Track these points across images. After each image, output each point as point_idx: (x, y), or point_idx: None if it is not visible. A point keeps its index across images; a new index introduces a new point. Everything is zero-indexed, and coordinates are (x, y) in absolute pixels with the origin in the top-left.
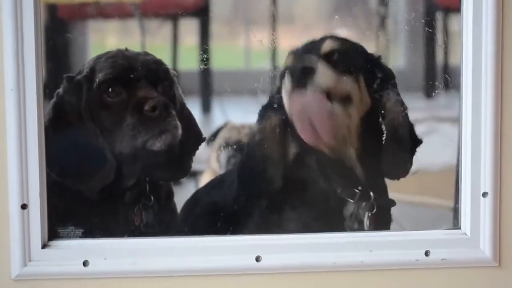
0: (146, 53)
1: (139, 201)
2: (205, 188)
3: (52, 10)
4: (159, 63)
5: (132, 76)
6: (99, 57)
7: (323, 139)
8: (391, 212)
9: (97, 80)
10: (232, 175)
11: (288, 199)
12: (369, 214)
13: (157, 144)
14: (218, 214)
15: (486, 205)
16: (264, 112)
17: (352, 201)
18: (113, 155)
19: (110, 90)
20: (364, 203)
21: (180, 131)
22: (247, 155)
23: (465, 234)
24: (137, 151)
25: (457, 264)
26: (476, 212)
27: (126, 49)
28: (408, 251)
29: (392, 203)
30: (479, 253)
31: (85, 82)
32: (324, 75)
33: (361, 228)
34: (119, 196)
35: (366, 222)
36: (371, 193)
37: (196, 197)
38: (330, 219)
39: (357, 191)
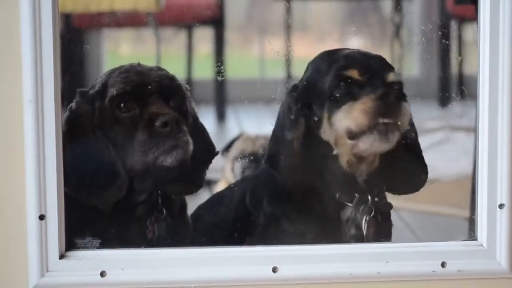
0: (159, 68)
1: (151, 214)
2: (206, 204)
3: (67, 19)
4: (171, 78)
5: (144, 91)
6: (112, 72)
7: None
8: (395, 218)
9: (109, 95)
10: (232, 191)
11: (287, 204)
12: (367, 218)
13: (168, 160)
14: (229, 226)
15: (502, 216)
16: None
17: (350, 204)
18: (125, 170)
19: (122, 105)
20: (362, 207)
21: (191, 146)
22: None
23: (481, 245)
24: (148, 167)
25: (473, 275)
26: (493, 224)
27: (139, 64)
28: (425, 262)
29: (389, 206)
30: (495, 264)
31: (98, 97)
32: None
33: (358, 233)
34: (131, 209)
35: (364, 225)
36: (369, 197)
37: (198, 214)
38: (327, 224)
39: (356, 195)
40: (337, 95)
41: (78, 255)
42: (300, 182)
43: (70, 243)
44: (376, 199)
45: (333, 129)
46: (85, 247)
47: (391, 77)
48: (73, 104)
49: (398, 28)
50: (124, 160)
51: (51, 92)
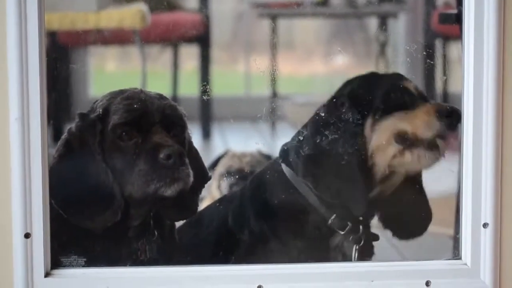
0: (161, 97)
1: (143, 236)
2: (186, 226)
3: (53, 37)
4: (174, 108)
5: (147, 121)
6: (113, 96)
7: None
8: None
9: (111, 122)
10: (211, 212)
11: (279, 223)
12: (357, 247)
13: (169, 192)
14: (210, 247)
15: (486, 236)
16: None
17: (341, 232)
18: (121, 196)
19: (124, 134)
20: (351, 236)
21: (192, 178)
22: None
23: (465, 264)
24: (147, 196)
25: None
26: (477, 243)
27: (142, 91)
28: (409, 281)
29: (376, 237)
30: (479, 283)
31: (99, 122)
32: None
33: (345, 261)
34: (123, 231)
35: (355, 254)
36: (360, 227)
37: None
38: (315, 249)
39: (348, 223)
40: (390, 103)
41: (63, 273)
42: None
43: (56, 262)
44: (366, 228)
45: (376, 136)
46: (70, 265)
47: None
48: (72, 127)
49: (383, 47)
50: (122, 186)
51: (37, 109)
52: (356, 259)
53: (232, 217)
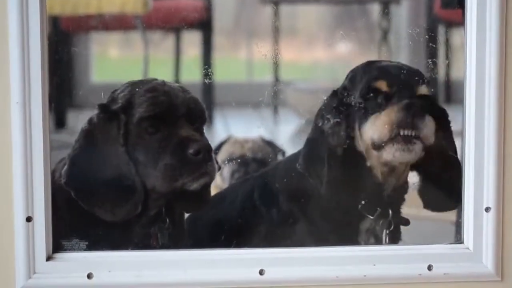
0: (184, 90)
1: (154, 224)
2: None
3: (55, 22)
4: (197, 102)
5: (173, 114)
6: (134, 87)
7: None
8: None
9: (137, 115)
10: (234, 190)
11: (309, 204)
12: (387, 232)
13: (194, 185)
14: (222, 227)
15: (488, 220)
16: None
17: (371, 217)
18: (143, 188)
19: (150, 127)
20: (382, 221)
21: (217, 173)
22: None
23: (467, 248)
24: (172, 190)
25: (460, 278)
26: (479, 227)
27: (164, 82)
28: (411, 265)
29: (407, 222)
30: (481, 267)
31: (123, 114)
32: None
33: (377, 243)
34: (136, 219)
35: (385, 238)
36: (390, 211)
37: (196, 215)
38: (345, 231)
39: (378, 208)
40: (366, 106)
41: (65, 257)
42: (331, 191)
43: (57, 245)
44: (396, 213)
45: (362, 139)
46: (72, 249)
47: (421, 90)
48: (94, 117)
49: (385, 32)
50: (145, 179)
51: (38, 94)
52: (387, 243)
53: (259, 192)
